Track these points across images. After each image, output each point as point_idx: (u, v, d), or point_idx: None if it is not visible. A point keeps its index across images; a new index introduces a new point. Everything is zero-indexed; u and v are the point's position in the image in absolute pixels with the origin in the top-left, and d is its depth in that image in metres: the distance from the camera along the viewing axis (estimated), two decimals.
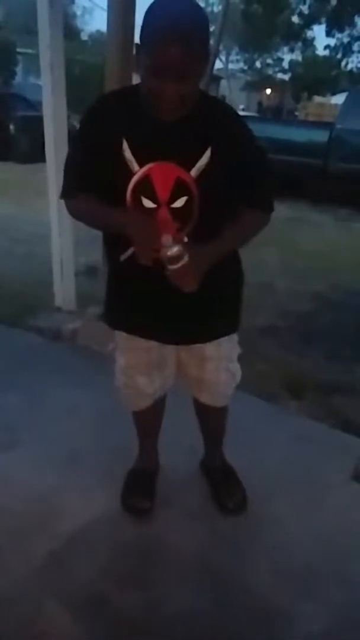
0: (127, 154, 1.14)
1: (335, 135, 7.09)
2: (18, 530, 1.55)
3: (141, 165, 1.14)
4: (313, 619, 1.33)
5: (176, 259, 1.11)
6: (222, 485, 1.73)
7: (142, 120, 1.12)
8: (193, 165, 1.14)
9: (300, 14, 13.96)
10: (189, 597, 1.38)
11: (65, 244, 2.87)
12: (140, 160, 1.14)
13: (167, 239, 1.10)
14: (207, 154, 1.13)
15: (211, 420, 1.70)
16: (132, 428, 1.71)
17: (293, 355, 2.78)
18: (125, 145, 1.14)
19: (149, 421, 1.69)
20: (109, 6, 2.31)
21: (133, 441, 1.74)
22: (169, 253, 1.10)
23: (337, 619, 1.34)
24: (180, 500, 1.71)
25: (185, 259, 1.11)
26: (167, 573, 1.44)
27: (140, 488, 1.70)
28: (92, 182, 1.20)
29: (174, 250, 1.10)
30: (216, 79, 31.07)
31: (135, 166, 1.15)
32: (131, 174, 1.15)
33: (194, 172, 1.14)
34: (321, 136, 7.24)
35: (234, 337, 1.54)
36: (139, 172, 1.15)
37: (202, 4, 36.65)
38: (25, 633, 1.26)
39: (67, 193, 1.25)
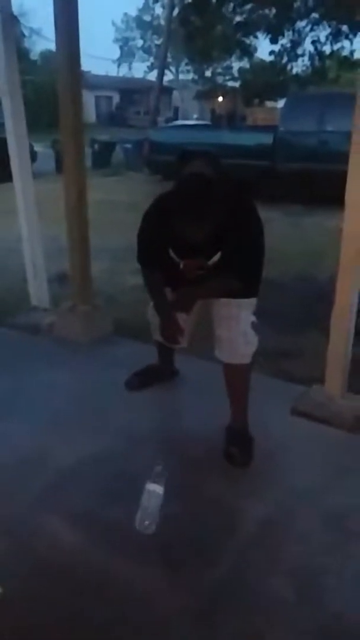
0: (173, 255, 1.92)
1: (279, 138, 7.63)
2: (18, 472, 1.90)
3: (181, 258, 1.92)
4: (255, 511, 1.72)
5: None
6: (232, 440, 1.99)
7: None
8: (210, 259, 1.86)
9: (239, 24, 14.52)
10: (165, 502, 1.74)
11: (36, 252, 3.21)
12: (181, 256, 1.92)
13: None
14: (218, 255, 1.83)
15: (229, 379, 2.00)
16: (107, 396, 2.05)
17: (258, 333, 3.19)
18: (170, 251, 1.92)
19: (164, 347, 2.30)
20: (56, 29, 2.58)
21: (108, 404, 2.09)
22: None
23: (271, 509, 1.73)
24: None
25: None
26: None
27: (140, 373, 2.44)
28: (156, 260, 1.99)
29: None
30: (168, 90, 31.81)
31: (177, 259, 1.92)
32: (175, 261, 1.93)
33: (210, 263, 1.86)
34: (267, 139, 7.77)
35: (250, 304, 1.98)
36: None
37: (147, 18, 36.99)
38: (35, 544, 1.60)
39: (145, 263, 2.06)
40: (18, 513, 1.72)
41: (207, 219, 1.63)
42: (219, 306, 1.97)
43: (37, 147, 9.61)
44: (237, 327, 1.94)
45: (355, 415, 2.23)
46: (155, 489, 1.52)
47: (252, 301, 1.99)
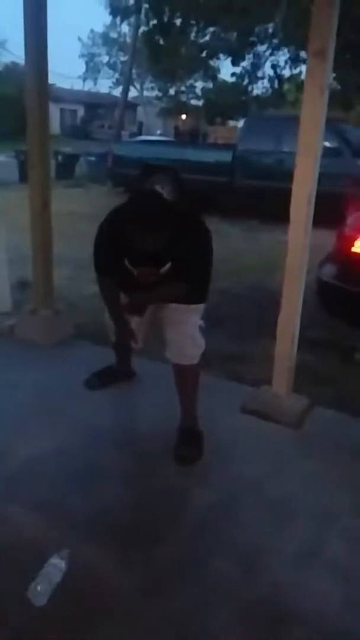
0: (127, 264, 1.97)
1: (238, 156, 7.94)
2: None
3: (135, 266, 1.97)
4: (203, 498, 1.87)
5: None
6: (182, 440, 2.10)
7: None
8: (162, 267, 1.92)
9: (202, 46, 14.99)
10: (119, 491, 1.85)
11: None
12: (134, 265, 1.97)
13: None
14: (168, 265, 1.91)
15: (178, 378, 2.14)
16: (67, 394, 2.12)
17: (204, 336, 3.35)
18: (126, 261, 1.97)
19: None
20: (25, 44, 2.67)
21: (68, 402, 2.17)
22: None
23: (218, 496, 1.87)
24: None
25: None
26: (108, 479, 1.93)
27: (99, 374, 2.56)
28: (111, 268, 2.06)
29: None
30: (132, 106, 32.18)
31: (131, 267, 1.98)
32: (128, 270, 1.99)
33: (162, 271, 1.93)
34: (226, 157, 8.07)
35: (198, 310, 2.10)
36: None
37: (114, 35, 36.97)
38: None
39: (100, 271, 2.13)
40: None
41: (157, 230, 1.74)
42: (168, 311, 2.09)
43: (0, 157, 9.60)
44: (185, 331, 2.08)
45: (299, 413, 2.41)
46: (58, 563, 1.53)
47: (200, 307, 2.13)
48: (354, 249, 3.00)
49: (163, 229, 1.75)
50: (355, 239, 3.01)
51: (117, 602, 1.46)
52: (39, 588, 1.46)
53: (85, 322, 3.29)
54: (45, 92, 2.80)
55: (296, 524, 1.77)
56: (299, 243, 2.30)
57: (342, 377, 2.94)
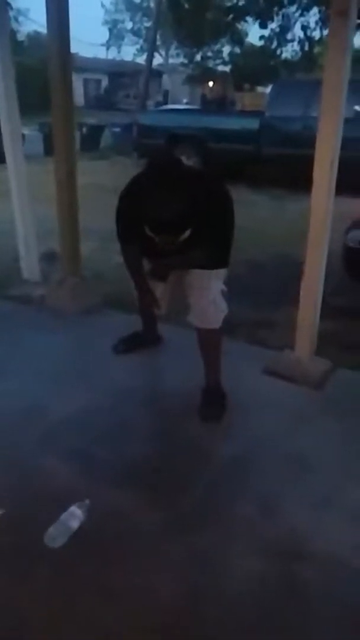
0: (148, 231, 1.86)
1: (265, 123, 7.80)
2: (18, 422, 2.12)
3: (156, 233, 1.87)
4: (224, 450, 1.98)
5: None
6: (207, 400, 2.21)
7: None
8: (181, 235, 1.85)
9: (229, 9, 14.54)
10: (146, 445, 1.98)
11: (28, 230, 3.39)
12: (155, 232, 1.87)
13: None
14: (188, 232, 1.83)
15: (202, 342, 2.21)
16: (96, 358, 2.23)
17: (227, 301, 3.43)
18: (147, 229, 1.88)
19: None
20: (47, 12, 2.70)
21: (97, 366, 2.29)
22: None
23: (239, 449, 1.98)
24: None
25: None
26: (136, 434, 2.06)
27: (126, 339, 2.67)
28: (133, 237, 2.02)
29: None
30: (158, 74, 31.58)
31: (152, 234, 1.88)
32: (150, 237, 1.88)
33: (181, 238, 1.86)
34: (253, 124, 7.93)
35: (220, 275, 2.14)
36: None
37: (137, 1, 36.11)
38: (35, 476, 1.83)
39: (123, 240, 2.17)
40: (21, 454, 1.95)
41: (174, 197, 1.73)
42: (191, 276, 2.14)
43: (24, 130, 9.61)
44: (207, 296, 2.13)
45: (320, 375, 2.47)
46: (77, 512, 1.63)
47: (222, 272, 2.18)
48: None
49: (180, 196, 1.74)
50: None
51: (143, 541, 1.60)
52: (55, 532, 1.57)
53: (112, 291, 3.39)
54: (68, 63, 2.84)
55: (314, 475, 1.87)
56: (322, 207, 2.33)
57: None
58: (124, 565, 1.53)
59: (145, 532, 1.63)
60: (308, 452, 1.98)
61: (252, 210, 6.37)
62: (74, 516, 1.62)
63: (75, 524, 1.61)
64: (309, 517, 1.69)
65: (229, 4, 13.93)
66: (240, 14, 15.12)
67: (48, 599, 1.43)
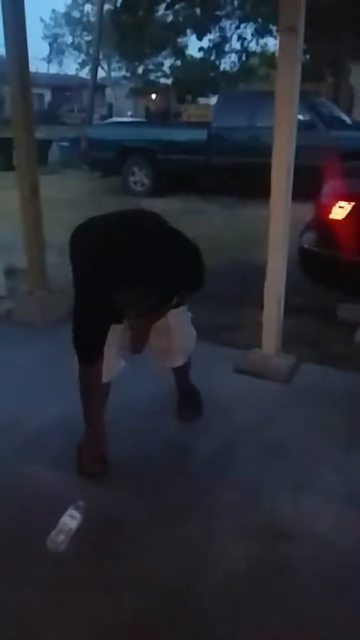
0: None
1: (213, 134, 8.03)
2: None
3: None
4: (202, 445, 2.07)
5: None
6: (183, 400, 2.24)
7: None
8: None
9: (170, 24, 14.89)
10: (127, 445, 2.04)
11: None
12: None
13: None
14: (175, 300, 1.65)
15: (179, 371, 2.17)
16: (70, 367, 2.24)
17: (192, 311, 3.53)
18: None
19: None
20: (5, 33, 2.76)
21: (72, 374, 2.32)
22: None
23: (216, 442, 2.07)
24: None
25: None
26: (115, 435, 2.06)
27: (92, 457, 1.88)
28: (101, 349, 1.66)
29: None
30: (101, 88, 31.71)
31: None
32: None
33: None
34: (201, 135, 8.15)
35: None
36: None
37: (76, 14, 36.14)
38: (22, 483, 1.85)
39: (88, 357, 1.70)
40: (2, 464, 1.96)
41: (162, 277, 1.48)
42: (172, 319, 1.89)
43: None
44: (190, 331, 2.09)
45: (287, 369, 2.61)
46: (74, 514, 1.67)
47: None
48: (331, 216, 3.18)
49: (166, 272, 1.47)
50: (331, 206, 3.19)
51: (134, 533, 1.67)
52: (57, 537, 1.60)
53: None
54: (27, 80, 2.89)
55: (291, 461, 1.98)
56: (281, 211, 2.47)
57: (325, 337, 3.15)
58: (119, 559, 1.58)
59: (135, 525, 1.70)
60: (284, 441, 2.09)
61: (205, 218, 6.54)
62: (72, 518, 1.66)
63: (74, 526, 1.65)
64: (288, 500, 1.80)
65: (169, 19, 14.27)
66: (180, 27, 15.53)
67: (50, 595, 1.47)
